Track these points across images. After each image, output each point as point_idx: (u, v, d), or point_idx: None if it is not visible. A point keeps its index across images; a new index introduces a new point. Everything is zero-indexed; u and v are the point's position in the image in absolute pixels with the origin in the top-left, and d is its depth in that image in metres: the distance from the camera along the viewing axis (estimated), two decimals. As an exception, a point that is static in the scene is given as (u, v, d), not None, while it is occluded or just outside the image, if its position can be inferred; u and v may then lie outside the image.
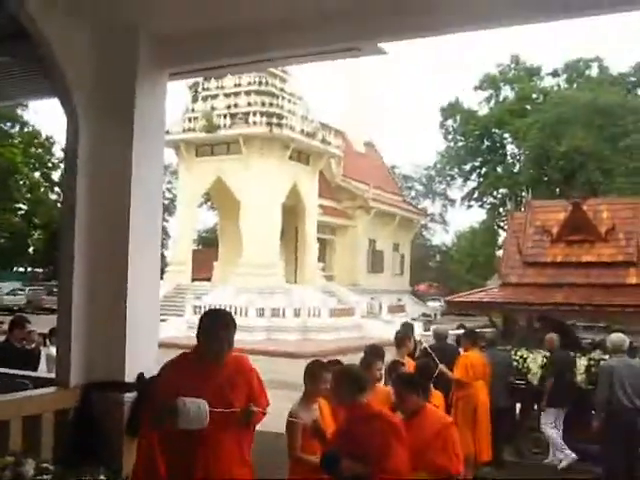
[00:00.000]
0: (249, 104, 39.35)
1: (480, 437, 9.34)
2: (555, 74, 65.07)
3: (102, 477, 4.74)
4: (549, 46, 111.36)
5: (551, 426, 10.70)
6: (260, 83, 40.00)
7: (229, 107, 39.86)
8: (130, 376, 5.75)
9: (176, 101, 47.76)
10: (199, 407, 4.36)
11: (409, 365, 8.16)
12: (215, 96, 40.90)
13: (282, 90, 41.29)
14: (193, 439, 4.36)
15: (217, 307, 5.47)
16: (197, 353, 4.66)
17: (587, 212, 13.44)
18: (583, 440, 10.38)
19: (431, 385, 6.68)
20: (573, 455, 10.36)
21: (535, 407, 11.55)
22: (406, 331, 9.43)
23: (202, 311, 34.19)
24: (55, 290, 34.45)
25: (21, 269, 69.58)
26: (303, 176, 42.16)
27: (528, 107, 61.96)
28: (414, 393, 5.30)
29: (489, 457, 9.44)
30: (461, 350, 10.38)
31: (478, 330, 12.17)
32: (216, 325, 4.62)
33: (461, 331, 12.79)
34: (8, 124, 58.58)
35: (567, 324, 13.04)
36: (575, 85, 61.84)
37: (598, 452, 9.78)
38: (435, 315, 50.97)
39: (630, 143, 49.83)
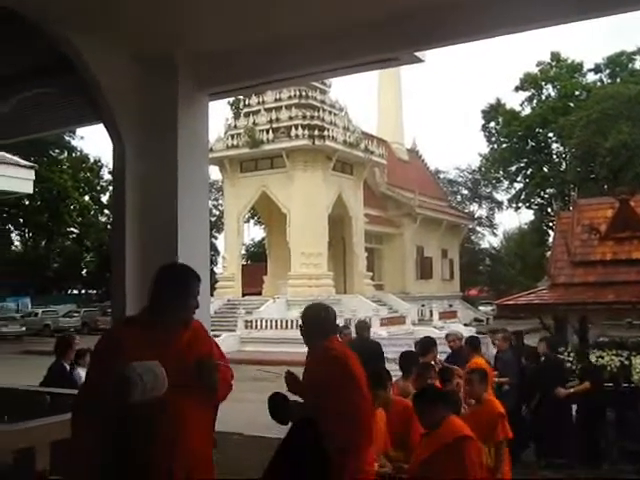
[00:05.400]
0: (290, 118, 39.57)
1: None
2: (597, 69, 64.21)
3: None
4: (590, 41, 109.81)
5: None
6: (300, 96, 40.22)
7: (271, 122, 40.12)
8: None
9: (219, 118, 48.34)
10: (151, 369, 3.56)
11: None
12: (257, 112, 41.23)
13: (323, 102, 41.46)
14: (152, 417, 3.60)
15: (179, 262, 4.71)
16: (155, 316, 3.84)
17: (635, 208, 13.26)
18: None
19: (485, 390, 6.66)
20: None
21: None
22: (430, 340, 9.38)
23: (254, 325, 34.69)
24: (109, 311, 34.99)
25: (75, 291, 70.83)
26: (347, 186, 42.23)
27: (571, 104, 61.18)
28: (433, 406, 5.16)
29: None
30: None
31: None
32: (191, 286, 3.93)
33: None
34: (57, 151, 59.80)
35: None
36: (618, 79, 60.82)
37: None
38: (487, 319, 50.54)
39: (678, 135, 48.92)
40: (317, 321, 4.85)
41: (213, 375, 3.78)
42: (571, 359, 11.49)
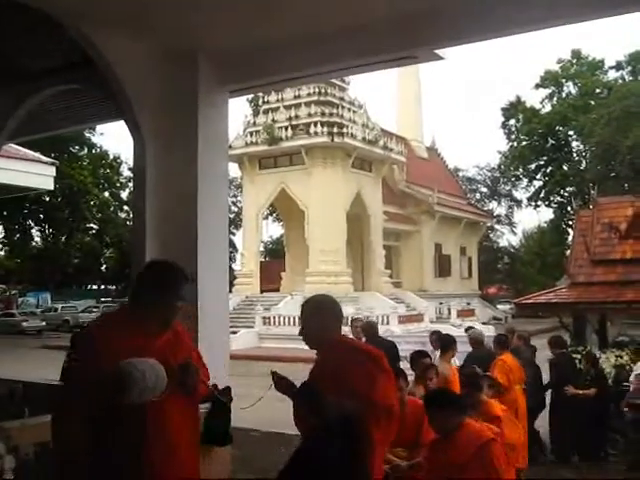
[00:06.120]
0: (309, 115, 39.57)
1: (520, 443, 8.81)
2: (619, 67, 63.54)
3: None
4: (611, 39, 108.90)
5: None
6: (319, 93, 40.19)
7: (290, 119, 40.14)
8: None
9: (237, 115, 48.47)
10: (153, 368, 3.43)
11: (452, 370, 8.20)
12: (276, 109, 41.24)
13: (342, 99, 41.42)
14: (133, 417, 3.44)
15: (167, 260, 4.13)
16: (137, 314, 3.69)
17: (656, 207, 13.19)
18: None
19: (481, 393, 6.50)
20: None
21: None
22: (449, 337, 9.39)
23: (272, 322, 34.70)
24: (128, 306, 35.10)
25: (95, 287, 71.24)
26: (366, 184, 42.17)
27: (592, 102, 60.74)
28: (448, 410, 4.89)
29: (525, 464, 8.86)
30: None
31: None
32: (177, 286, 3.74)
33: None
34: (77, 147, 60.15)
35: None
36: (640, 77, 60.30)
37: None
38: (506, 318, 50.31)
39: (701, 134, 48.35)
40: (328, 313, 4.29)
41: (195, 379, 3.68)
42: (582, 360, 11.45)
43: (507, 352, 9.70)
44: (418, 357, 7.47)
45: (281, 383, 4.14)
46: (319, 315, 4.27)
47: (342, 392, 3.85)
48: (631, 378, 10.47)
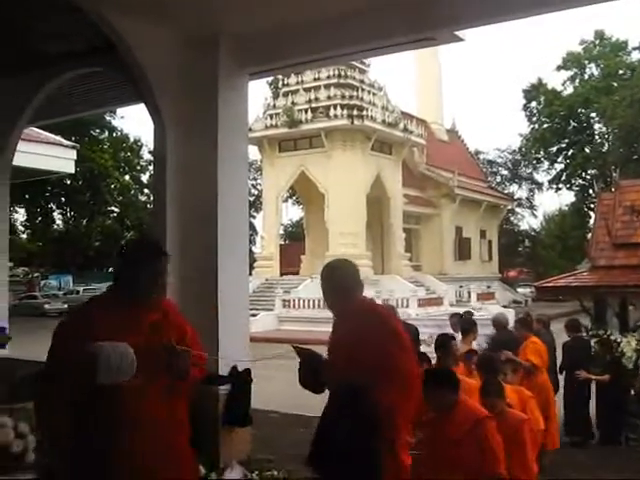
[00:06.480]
0: (329, 97, 39.42)
1: (552, 425, 8.79)
2: (643, 48, 62.86)
3: (200, 468, 4.89)
4: (635, 19, 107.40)
5: None
6: (339, 76, 40.01)
7: (310, 101, 40.00)
8: (223, 369, 5.92)
9: (257, 98, 48.35)
10: (121, 351, 3.38)
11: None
12: (295, 91, 41.13)
13: (362, 82, 41.21)
14: (114, 401, 3.40)
15: (144, 238, 4.29)
16: (118, 294, 3.69)
17: (679, 189, 13.05)
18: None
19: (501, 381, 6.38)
20: None
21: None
22: (470, 320, 9.40)
23: (292, 304, 34.77)
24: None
25: (115, 270, 71.60)
26: (386, 166, 42.02)
27: (615, 84, 60.09)
28: (445, 388, 4.97)
29: (556, 444, 8.82)
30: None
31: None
32: (153, 260, 3.73)
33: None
34: (97, 130, 60.37)
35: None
36: (664, 58, 59.56)
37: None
38: (526, 301, 50.12)
39: None
40: (349, 276, 4.27)
41: (182, 361, 3.55)
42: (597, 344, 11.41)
43: (532, 334, 9.63)
44: (446, 340, 7.42)
45: (305, 354, 4.15)
46: (336, 278, 4.28)
47: (358, 356, 3.81)
48: None
